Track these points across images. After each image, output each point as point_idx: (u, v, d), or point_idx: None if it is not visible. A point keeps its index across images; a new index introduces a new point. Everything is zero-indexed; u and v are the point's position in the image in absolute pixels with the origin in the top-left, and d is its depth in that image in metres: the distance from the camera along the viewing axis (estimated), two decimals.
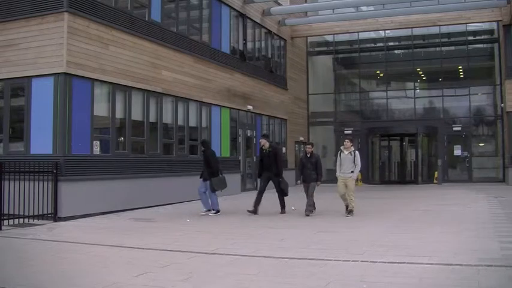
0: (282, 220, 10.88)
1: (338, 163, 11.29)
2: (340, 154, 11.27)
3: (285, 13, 23.51)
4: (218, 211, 11.91)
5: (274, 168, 11.83)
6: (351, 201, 10.97)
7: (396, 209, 12.94)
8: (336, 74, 28.05)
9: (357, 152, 11.24)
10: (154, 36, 14.31)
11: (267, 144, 11.98)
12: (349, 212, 11.04)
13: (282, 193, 11.95)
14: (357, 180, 24.22)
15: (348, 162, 11.09)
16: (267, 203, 12.23)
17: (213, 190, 11.83)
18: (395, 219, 10.84)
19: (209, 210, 11.98)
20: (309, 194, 11.46)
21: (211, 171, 11.89)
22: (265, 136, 12.66)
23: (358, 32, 26.25)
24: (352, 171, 11.07)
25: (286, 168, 23.29)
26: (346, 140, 11.40)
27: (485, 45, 26.98)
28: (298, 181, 12.02)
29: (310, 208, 11.36)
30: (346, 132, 26.40)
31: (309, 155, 11.74)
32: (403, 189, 20.85)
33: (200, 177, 12.16)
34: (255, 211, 11.78)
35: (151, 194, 13.77)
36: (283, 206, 12.05)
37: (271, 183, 12.14)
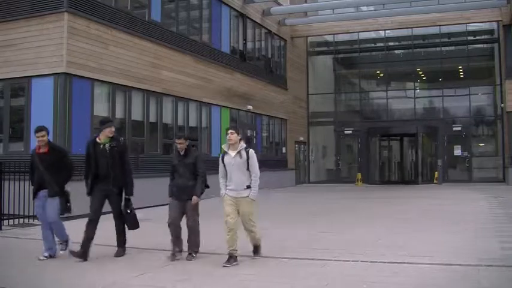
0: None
1: (221, 173, 6.49)
2: (223, 157, 6.43)
3: (285, 13, 23.51)
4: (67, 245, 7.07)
5: (117, 177, 6.84)
6: (253, 232, 6.47)
7: (396, 209, 12.93)
8: (336, 74, 28.04)
9: (251, 152, 6.41)
10: (154, 36, 14.30)
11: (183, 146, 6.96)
12: (254, 249, 6.62)
13: (133, 224, 7.03)
14: (357, 180, 24.65)
15: (238, 171, 6.31)
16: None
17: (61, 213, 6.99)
18: (395, 219, 10.83)
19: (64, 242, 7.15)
20: (189, 221, 6.74)
21: (63, 181, 6.96)
22: (185, 137, 7.17)
23: (358, 32, 26.25)
24: (248, 186, 6.32)
25: (285, 167, 23.33)
26: (230, 131, 6.41)
27: (485, 45, 26.97)
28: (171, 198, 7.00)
29: (194, 247, 6.73)
30: (346, 132, 26.42)
31: (182, 153, 6.89)
32: (403, 190, 20.84)
33: (36, 191, 6.97)
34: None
35: (151, 194, 13.75)
36: (121, 243, 7.00)
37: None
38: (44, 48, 11.45)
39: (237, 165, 6.29)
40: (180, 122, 15.68)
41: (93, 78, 12.08)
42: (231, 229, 6.21)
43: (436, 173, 24.03)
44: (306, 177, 26.34)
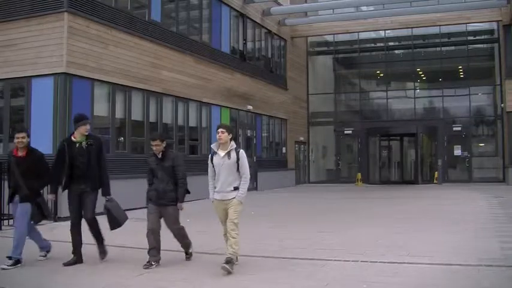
0: None
1: (210, 174, 6.18)
2: (212, 157, 6.13)
3: (285, 13, 23.51)
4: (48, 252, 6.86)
5: (93, 177, 6.49)
6: (234, 238, 5.95)
7: (396, 209, 12.93)
8: (336, 74, 28.05)
9: (241, 152, 6.10)
10: (154, 36, 14.30)
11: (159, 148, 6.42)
12: (227, 261, 5.79)
13: (113, 223, 6.66)
14: (357, 180, 24.66)
15: (227, 172, 6.01)
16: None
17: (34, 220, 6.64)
18: (395, 219, 10.83)
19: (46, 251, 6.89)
20: (173, 229, 6.46)
21: (38, 187, 6.65)
22: (160, 137, 6.53)
23: (358, 32, 26.26)
24: (235, 188, 6.02)
25: (285, 168, 23.34)
26: (221, 130, 6.05)
27: (485, 45, 26.99)
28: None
29: (189, 249, 6.63)
30: (346, 132, 26.42)
31: (160, 156, 6.41)
32: (403, 190, 20.84)
33: (12, 196, 6.67)
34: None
35: None
36: (101, 246, 6.70)
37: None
38: (44, 48, 11.46)
39: (226, 166, 5.98)
40: (180, 122, 15.68)
41: (93, 78, 12.08)
42: (226, 232, 6.13)
43: (436, 173, 24.04)
44: (306, 177, 26.35)
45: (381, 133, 26.70)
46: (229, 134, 6.04)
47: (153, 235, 6.22)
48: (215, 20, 17.93)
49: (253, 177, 20.30)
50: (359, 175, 24.77)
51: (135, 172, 13.32)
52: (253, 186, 20.15)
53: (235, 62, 19.16)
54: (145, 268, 6.01)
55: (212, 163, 6.09)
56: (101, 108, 12.59)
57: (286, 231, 9.14)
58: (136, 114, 13.72)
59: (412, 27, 25.15)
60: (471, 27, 25.36)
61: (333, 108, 27.30)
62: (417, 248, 7.08)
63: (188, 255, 6.59)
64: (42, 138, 11.34)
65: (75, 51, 11.54)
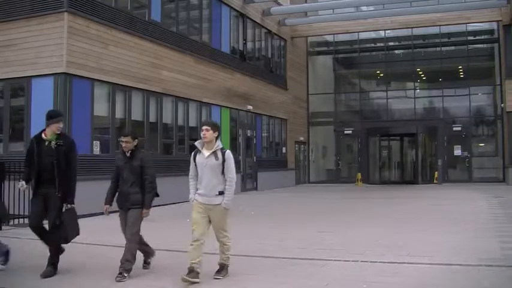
0: None
1: (191, 173, 5.65)
2: (195, 156, 5.62)
3: (285, 13, 23.51)
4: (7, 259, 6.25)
5: (61, 180, 5.86)
6: (226, 244, 5.64)
7: (396, 209, 12.94)
8: (336, 74, 28.05)
9: (228, 152, 5.59)
10: (154, 36, 14.31)
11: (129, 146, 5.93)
12: (220, 269, 5.65)
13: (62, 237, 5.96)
14: (357, 180, 24.67)
15: (211, 173, 5.49)
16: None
17: None
18: (395, 219, 10.83)
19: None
20: (127, 234, 5.79)
21: None
22: (132, 134, 6.03)
23: (358, 32, 26.26)
24: (220, 192, 5.50)
25: (285, 168, 23.33)
26: (205, 128, 5.52)
27: (485, 45, 26.99)
28: (107, 206, 5.96)
29: (127, 265, 5.64)
30: (346, 132, 26.42)
31: (128, 155, 5.91)
32: (403, 190, 20.84)
33: None
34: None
35: None
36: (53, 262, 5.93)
37: None
38: (44, 48, 11.46)
39: (210, 166, 5.44)
40: (180, 122, 15.69)
41: (93, 78, 12.08)
42: (196, 239, 5.35)
43: (436, 173, 24.04)
44: (306, 177, 26.36)
45: (381, 133, 26.70)
46: (214, 132, 5.50)
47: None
48: (215, 20, 17.93)
49: (254, 177, 20.32)
50: (359, 175, 24.78)
51: None
52: (253, 186, 20.16)
53: (235, 62, 19.16)
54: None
55: (195, 162, 5.56)
56: (101, 108, 12.59)
57: (286, 231, 9.14)
58: (136, 114, 13.72)
59: (412, 27, 25.15)
60: (471, 27, 25.37)
61: (333, 108, 27.30)
62: (417, 248, 7.08)
63: (122, 276, 5.53)
64: None
65: (75, 51, 11.54)
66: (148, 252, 6.04)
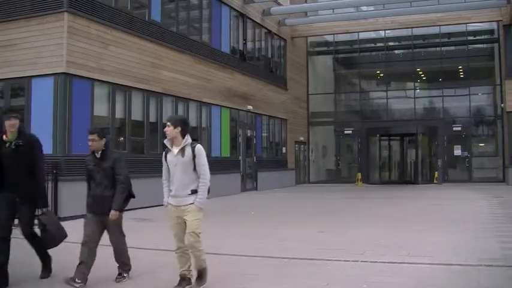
0: None
1: (164, 175, 5.26)
2: (165, 155, 5.21)
3: (285, 13, 23.51)
4: None
5: (23, 185, 5.46)
6: (197, 250, 5.03)
7: (396, 209, 12.94)
8: (336, 74, 28.06)
9: (198, 147, 5.13)
10: (154, 36, 14.31)
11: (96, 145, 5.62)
12: (198, 275, 5.14)
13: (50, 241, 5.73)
14: (357, 180, 24.67)
15: (182, 172, 5.07)
16: None
17: None
18: (395, 219, 10.83)
19: None
20: (112, 238, 5.63)
21: None
22: (99, 132, 5.74)
23: (358, 32, 26.26)
24: (193, 191, 5.06)
25: (285, 168, 23.34)
26: (167, 124, 5.15)
27: (485, 45, 27.00)
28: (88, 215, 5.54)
29: (125, 266, 5.67)
30: (346, 132, 26.43)
31: (98, 156, 5.59)
32: (403, 190, 20.85)
33: None
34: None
35: (151, 194, 13.74)
36: (46, 263, 5.88)
37: None
38: (44, 48, 11.45)
39: (180, 165, 5.01)
40: None
41: (93, 78, 12.08)
42: (178, 247, 5.11)
43: (436, 173, 24.04)
44: (306, 177, 26.36)
45: (381, 133, 26.71)
46: (175, 128, 5.04)
47: (88, 248, 5.35)
48: (215, 20, 17.93)
49: (253, 177, 20.33)
50: (359, 175, 24.78)
51: (135, 172, 13.32)
52: (253, 186, 20.16)
53: (235, 62, 19.17)
54: (66, 283, 5.19)
55: (166, 162, 5.15)
56: (101, 108, 12.59)
57: (286, 231, 9.14)
58: (137, 114, 13.72)
59: (412, 27, 25.15)
60: (471, 27, 25.37)
61: (333, 108, 27.30)
62: (417, 248, 7.08)
63: (121, 277, 5.54)
64: (42, 138, 11.20)
65: (75, 51, 11.54)
66: (85, 263, 5.36)
